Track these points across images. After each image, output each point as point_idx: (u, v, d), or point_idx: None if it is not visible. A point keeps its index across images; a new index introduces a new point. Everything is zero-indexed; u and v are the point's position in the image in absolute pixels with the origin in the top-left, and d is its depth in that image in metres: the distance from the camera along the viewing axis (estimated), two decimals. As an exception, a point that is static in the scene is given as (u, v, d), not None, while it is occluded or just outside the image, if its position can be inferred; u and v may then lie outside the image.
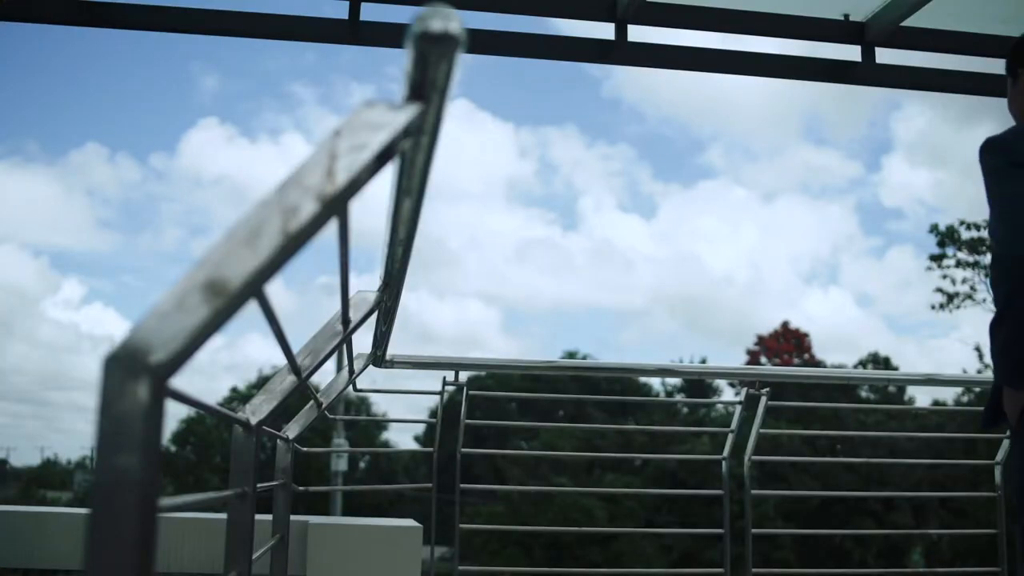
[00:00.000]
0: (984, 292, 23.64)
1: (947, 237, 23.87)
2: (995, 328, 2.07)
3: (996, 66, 4.29)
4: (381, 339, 2.87)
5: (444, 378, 3.76)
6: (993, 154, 2.12)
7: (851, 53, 4.09)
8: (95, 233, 50.91)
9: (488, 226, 48.16)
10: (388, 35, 3.79)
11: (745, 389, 4.03)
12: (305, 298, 43.42)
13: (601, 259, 45.46)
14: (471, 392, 3.87)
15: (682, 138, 47.64)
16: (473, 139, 45.68)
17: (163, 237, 51.03)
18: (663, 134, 47.41)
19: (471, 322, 48.18)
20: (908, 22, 3.93)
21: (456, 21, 0.72)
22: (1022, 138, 2.14)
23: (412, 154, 0.90)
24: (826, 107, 44.66)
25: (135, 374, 0.56)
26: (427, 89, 0.76)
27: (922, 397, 26.19)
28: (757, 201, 48.00)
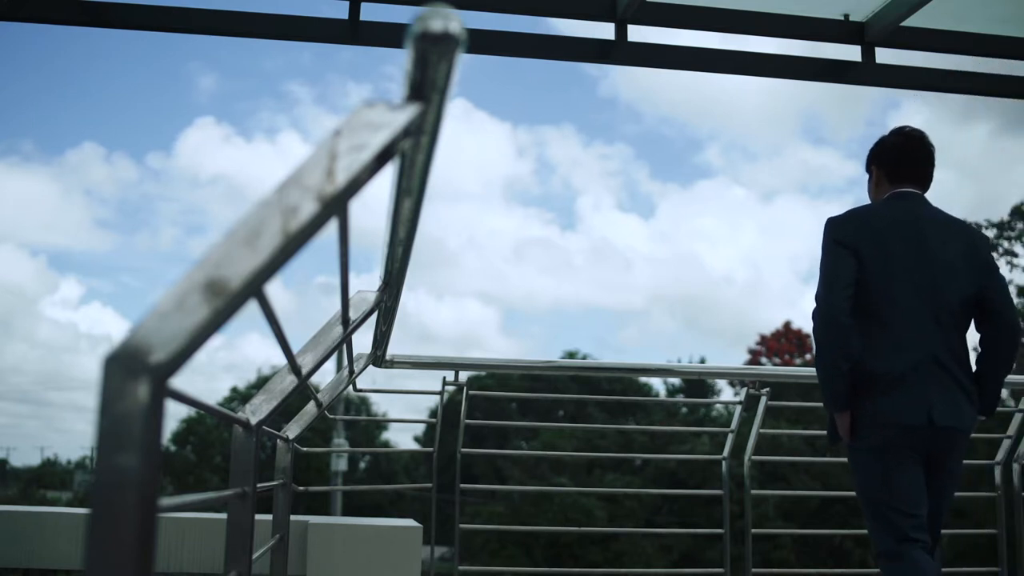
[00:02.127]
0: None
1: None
2: (816, 365, 2.67)
3: (996, 66, 4.30)
4: (381, 339, 2.87)
5: (444, 378, 3.76)
6: (825, 230, 2.72)
7: (851, 53, 4.09)
8: (93, 233, 50.90)
9: (486, 226, 48.11)
10: (388, 35, 3.79)
11: (745, 389, 4.03)
12: (304, 298, 43.41)
13: (600, 259, 45.41)
14: (471, 392, 3.87)
15: (680, 137, 47.57)
16: (471, 139, 45.62)
17: (160, 236, 50.99)
18: (661, 133, 47.33)
19: (470, 322, 48.13)
20: (908, 22, 3.93)
21: (456, 21, 0.72)
22: (846, 221, 2.71)
23: (412, 154, 0.90)
24: (824, 106, 44.60)
25: (135, 374, 0.56)
26: (427, 89, 0.76)
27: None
28: (756, 201, 47.93)
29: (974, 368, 2.72)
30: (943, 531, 2.72)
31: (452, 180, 43.06)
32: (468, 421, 3.99)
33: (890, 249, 2.64)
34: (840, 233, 2.67)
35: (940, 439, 2.57)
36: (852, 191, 45.04)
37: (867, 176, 2.91)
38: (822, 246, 2.70)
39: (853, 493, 2.80)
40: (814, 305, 2.64)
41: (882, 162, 2.82)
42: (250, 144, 51.43)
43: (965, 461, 2.80)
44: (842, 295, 2.58)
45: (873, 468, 2.62)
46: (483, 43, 3.83)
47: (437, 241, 42.05)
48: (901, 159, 2.78)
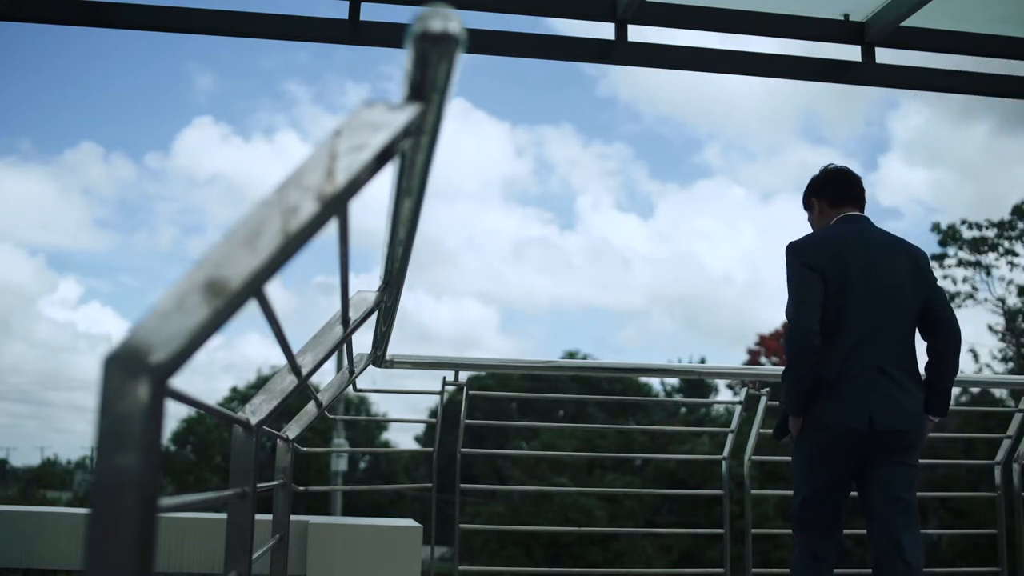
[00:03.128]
0: (986, 292, 23.67)
1: (949, 236, 23.86)
2: (784, 375, 3.00)
3: (996, 66, 4.30)
4: (381, 339, 2.87)
5: (444, 378, 3.76)
6: (790, 255, 2.99)
7: (851, 53, 4.09)
8: (91, 232, 50.74)
9: (485, 225, 47.94)
10: (388, 35, 3.79)
11: (745, 389, 4.03)
12: (302, 297, 43.36)
13: (599, 259, 45.23)
14: (471, 392, 3.87)
15: (678, 137, 47.30)
16: (470, 138, 45.46)
17: (158, 236, 50.77)
18: (659, 133, 47.07)
19: (469, 322, 47.97)
20: (908, 22, 3.93)
21: (456, 21, 0.72)
22: (811, 246, 3.00)
23: (412, 154, 0.90)
24: (823, 106, 44.34)
25: (135, 374, 0.56)
26: (427, 89, 0.76)
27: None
28: (755, 200, 47.71)
29: (924, 373, 3.01)
30: (944, 531, 2.85)
31: (451, 180, 42.94)
32: (468, 421, 3.99)
33: (846, 269, 2.92)
34: (807, 257, 2.95)
35: (883, 440, 2.87)
36: (852, 191, 44.90)
37: (807, 212, 3.23)
38: (789, 268, 2.97)
39: (852, 493, 2.95)
40: (785, 321, 2.97)
41: (821, 193, 3.14)
42: (248, 144, 51.33)
43: (965, 461, 2.91)
44: (813, 317, 2.87)
45: (810, 461, 3.00)
46: (483, 43, 3.83)
47: (436, 241, 41.93)
48: (839, 185, 3.12)
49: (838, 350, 2.87)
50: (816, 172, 3.21)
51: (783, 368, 3.01)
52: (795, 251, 2.98)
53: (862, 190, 3.13)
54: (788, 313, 2.93)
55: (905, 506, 2.91)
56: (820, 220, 3.14)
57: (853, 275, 2.91)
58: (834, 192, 3.10)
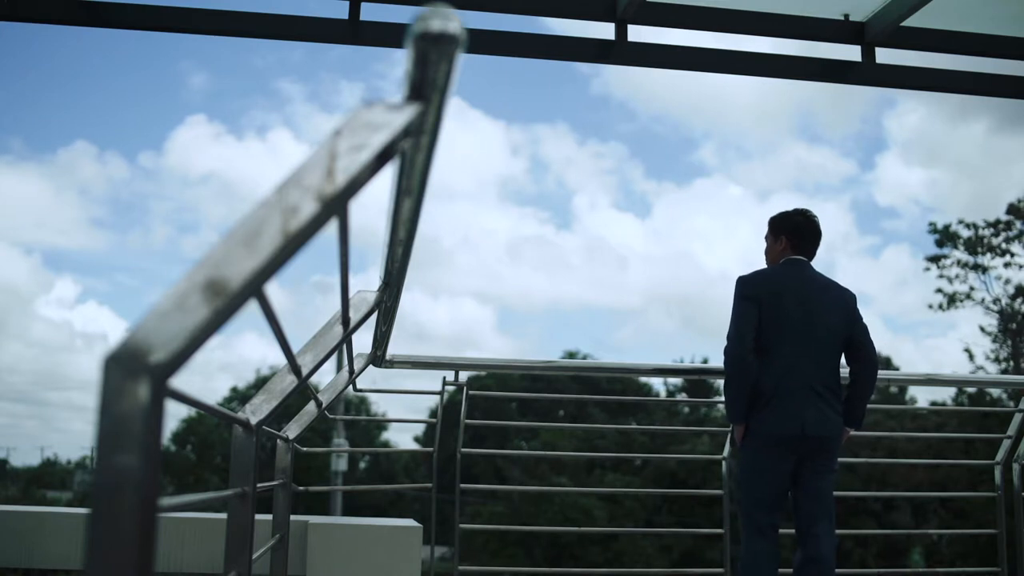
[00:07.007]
0: (983, 292, 23.66)
1: (945, 236, 23.83)
2: (724, 389, 3.51)
3: (996, 66, 4.29)
4: (381, 339, 2.87)
5: (444, 378, 3.76)
6: (737, 287, 3.51)
7: (851, 53, 4.09)
8: (87, 231, 50.68)
9: (481, 225, 47.80)
10: (388, 35, 3.79)
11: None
12: (299, 296, 43.32)
13: (596, 258, 45.10)
14: (471, 392, 3.87)
15: (674, 136, 47.10)
16: (465, 137, 45.29)
17: (153, 235, 50.66)
18: (655, 132, 46.85)
19: (466, 321, 47.90)
20: (908, 22, 3.93)
21: (456, 21, 0.72)
22: (753, 281, 3.50)
23: (412, 154, 0.90)
24: (819, 105, 44.17)
25: (135, 374, 0.56)
26: (427, 89, 0.76)
27: (921, 397, 26.07)
28: (752, 199, 47.54)
29: (845, 391, 3.52)
30: (944, 531, 2.93)
31: (446, 179, 42.82)
32: (468, 421, 3.99)
33: (783, 303, 3.44)
34: (748, 290, 3.47)
35: (812, 444, 3.39)
36: (848, 189, 44.92)
37: (772, 238, 3.64)
38: (734, 298, 3.48)
39: (852, 493, 3.02)
40: (726, 343, 3.44)
41: (793, 236, 3.60)
42: (241, 142, 51.32)
43: (965, 461, 2.96)
44: (748, 338, 3.40)
45: (754, 464, 3.49)
46: (483, 43, 3.83)
47: (432, 240, 41.81)
48: (805, 237, 3.59)
49: (776, 369, 3.39)
50: (793, 210, 3.64)
51: (723, 382, 3.49)
52: (741, 284, 3.50)
53: (818, 244, 3.64)
54: (728, 336, 3.44)
55: (826, 506, 3.45)
56: (777, 253, 3.61)
57: (788, 309, 3.43)
58: (801, 241, 3.58)
